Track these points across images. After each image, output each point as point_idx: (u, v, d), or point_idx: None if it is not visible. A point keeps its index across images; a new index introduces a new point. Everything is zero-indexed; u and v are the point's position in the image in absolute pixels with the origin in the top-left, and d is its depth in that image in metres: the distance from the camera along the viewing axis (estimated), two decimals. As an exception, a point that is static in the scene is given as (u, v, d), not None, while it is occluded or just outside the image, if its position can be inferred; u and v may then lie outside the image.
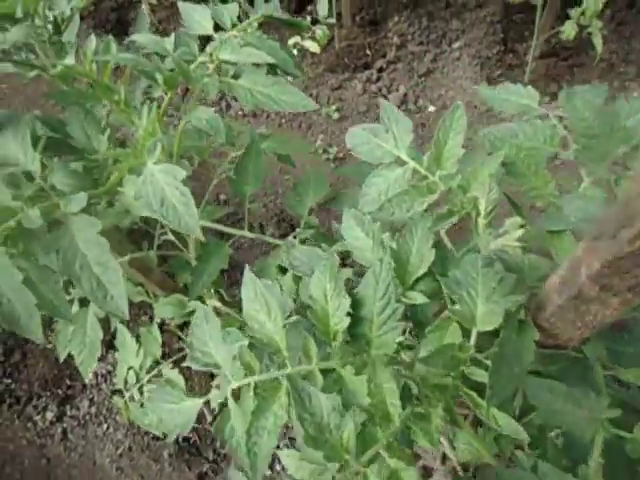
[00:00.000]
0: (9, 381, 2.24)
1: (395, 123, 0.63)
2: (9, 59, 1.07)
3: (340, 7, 2.81)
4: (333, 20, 2.65)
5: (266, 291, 0.51)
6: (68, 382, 2.19)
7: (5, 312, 0.66)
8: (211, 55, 0.84)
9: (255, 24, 0.89)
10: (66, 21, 1.20)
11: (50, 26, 1.16)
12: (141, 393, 1.50)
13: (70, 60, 0.85)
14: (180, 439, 1.88)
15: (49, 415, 2.12)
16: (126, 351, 1.47)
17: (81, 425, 2.08)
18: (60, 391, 2.17)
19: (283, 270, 0.84)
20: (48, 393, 2.19)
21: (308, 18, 2.67)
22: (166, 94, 0.84)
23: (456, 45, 2.80)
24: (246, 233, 0.93)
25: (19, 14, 0.94)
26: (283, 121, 2.80)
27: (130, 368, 1.50)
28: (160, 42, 0.84)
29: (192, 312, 1.39)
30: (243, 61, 0.81)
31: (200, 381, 1.79)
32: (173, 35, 0.84)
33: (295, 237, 0.87)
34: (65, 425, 2.09)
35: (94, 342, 1.13)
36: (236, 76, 0.82)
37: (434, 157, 0.58)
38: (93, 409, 2.07)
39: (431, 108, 2.62)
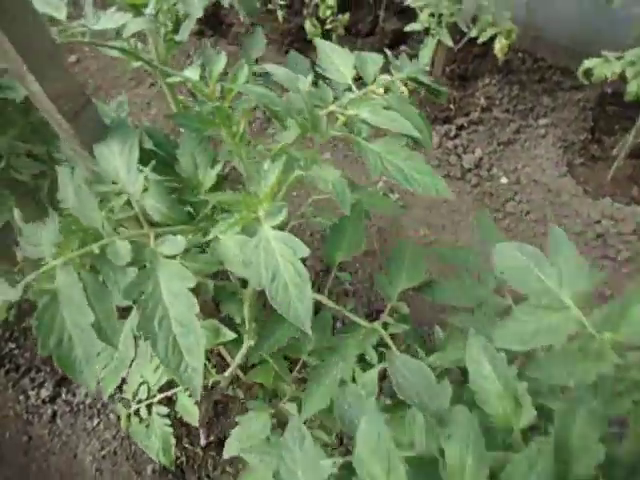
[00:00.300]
0: (13, 346, 2.17)
1: (565, 260, 0.53)
2: (119, 47, 1.01)
3: (433, 55, 2.75)
4: (427, 68, 2.59)
5: (391, 445, 0.41)
6: (70, 362, 2.11)
7: (62, 351, 0.57)
8: (346, 108, 0.76)
9: (399, 84, 0.80)
10: (184, 19, 1.15)
11: (169, 22, 1.11)
12: (149, 412, 1.40)
13: (194, 74, 0.77)
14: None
15: (43, 393, 2.04)
16: (145, 364, 1.38)
17: (73, 412, 2.00)
18: (60, 370, 2.09)
19: (362, 358, 0.74)
20: (48, 369, 2.11)
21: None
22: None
23: (542, 122, 2.70)
24: (329, 302, 0.83)
25: (150, 8, 0.88)
26: (350, 153, 2.73)
27: (144, 383, 1.41)
28: (294, 80, 0.76)
29: (226, 343, 1.30)
30: (384, 126, 0.72)
31: (207, 411, 1.69)
32: (310, 76, 0.76)
33: (382, 323, 0.77)
34: (57, 408, 2.01)
35: (123, 360, 1.04)
36: (369, 138, 0.74)
37: (612, 317, 0.48)
38: (88, 400, 1.99)
39: (503, 180, 2.52)
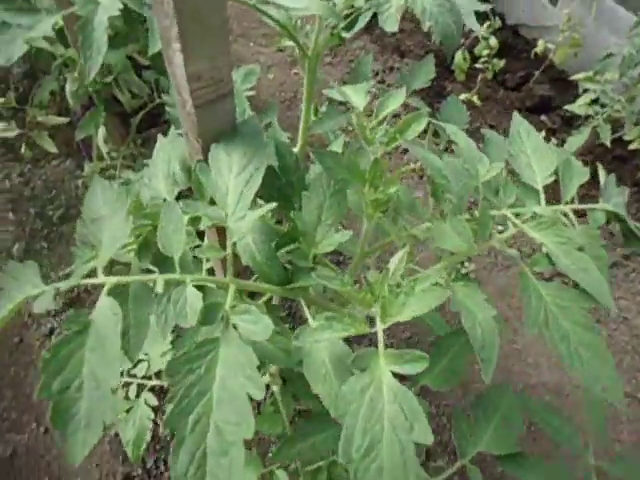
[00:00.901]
0: (45, 245, 2.12)
1: None
2: (280, 21, 0.87)
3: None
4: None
5: None
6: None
7: (63, 400, 0.42)
8: (526, 223, 0.58)
9: (601, 218, 0.61)
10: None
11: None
12: (138, 394, 1.27)
13: (359, 99, 0.61)
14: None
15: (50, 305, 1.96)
16: (154, 343, 1.26)
17: (68, 337, 1.91)
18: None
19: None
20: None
21: (543, 133, 2.37)
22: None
23: (660, 258, 2.40)
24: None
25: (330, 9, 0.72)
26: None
27: (145, 360, 1.28)
28: (476, 160, 0.59)
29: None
30: (567, 272, 0.53)
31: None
32: (498, 166, 0.58)
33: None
34: (56, 325, 1.94)
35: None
36: (547, 277, 0.55)
37: None
38: (89, 332, 1.89)
39: (592, 301, 2.24)
